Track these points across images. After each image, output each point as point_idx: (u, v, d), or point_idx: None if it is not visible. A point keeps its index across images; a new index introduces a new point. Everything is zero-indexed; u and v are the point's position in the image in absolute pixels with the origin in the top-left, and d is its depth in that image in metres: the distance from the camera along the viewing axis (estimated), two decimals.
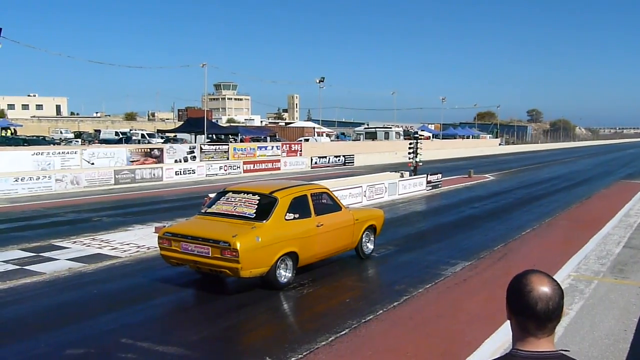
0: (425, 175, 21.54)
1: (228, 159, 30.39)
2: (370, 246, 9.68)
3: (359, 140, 53.82)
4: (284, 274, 7.52)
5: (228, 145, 31.95)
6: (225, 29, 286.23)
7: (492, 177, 28.48)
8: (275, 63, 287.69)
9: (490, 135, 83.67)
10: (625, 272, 9.12)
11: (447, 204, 18.46)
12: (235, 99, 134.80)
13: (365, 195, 17.51)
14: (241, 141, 40.21)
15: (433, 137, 68.94)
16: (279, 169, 32.29)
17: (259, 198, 7.62)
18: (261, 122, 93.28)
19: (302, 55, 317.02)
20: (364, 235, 9.45)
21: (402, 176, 21.98)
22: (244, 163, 30.29)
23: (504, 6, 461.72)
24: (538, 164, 41.16)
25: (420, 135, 25.58)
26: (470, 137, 78.06)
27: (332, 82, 78.19)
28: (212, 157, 29.48)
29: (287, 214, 7.59)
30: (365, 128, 59.30)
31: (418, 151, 22.81)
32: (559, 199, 19.66)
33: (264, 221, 7.27)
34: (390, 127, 56.37)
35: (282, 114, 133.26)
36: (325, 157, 36.71)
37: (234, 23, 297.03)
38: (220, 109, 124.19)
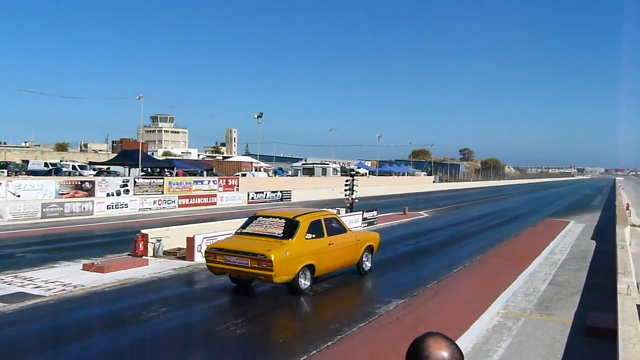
0: (362, 212, 21.78)
1: (163, 193, 29.76)
2: (368, 264, 11.51)
3: (297, 175, 53.98)
4: (304, 282, 9.42)
5: (163, 179, 31.32)
6: (163, 60, 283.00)
7: (426, 214, 29.14)
8: (214, 96, 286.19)
9: (425, 173, 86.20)
10: (551, 309, 9.47)
11: (383, 241, 18.54)
12: (172, 132, 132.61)
13: None
14: (177, 175, 39.46)
15: (369, 174, 70.26)
16: (215, 204, 31.80)
17: (284, 221, 9.69)
18: (198, 155, 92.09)
19: (241, 89, 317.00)
20: (363, 255, 11.42)
21: (338, 212, 22.15)
22: (179, 197, 29.67)
23: (440, 47, 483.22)
24: (470, 202, 42.53)
25: (357, 172, 25.98)
26: (406, 174, 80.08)
27: (271, 117, 79.92)
28: (146, 191, 28.77)
29: (307, 234, 9.55)
30: (303, 164, 59.72)
31: (354, 188, 23.10)
32: (489, 236, 20.32)
33: (290, 239, 9.23)
34: (328, 164, 57.04)
35: (220, 147, 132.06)
36: (263, 192, 36.52)
37: (172, 55, 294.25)
38: (157, 142, 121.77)
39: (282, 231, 9.65)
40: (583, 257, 15.37)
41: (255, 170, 55.81)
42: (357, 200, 23.34)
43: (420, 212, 30.03)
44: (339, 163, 68.83)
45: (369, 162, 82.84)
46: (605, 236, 19.77)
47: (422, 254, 15.69)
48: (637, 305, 7.57)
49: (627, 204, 34.39)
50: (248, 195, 34.97)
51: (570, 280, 12.05)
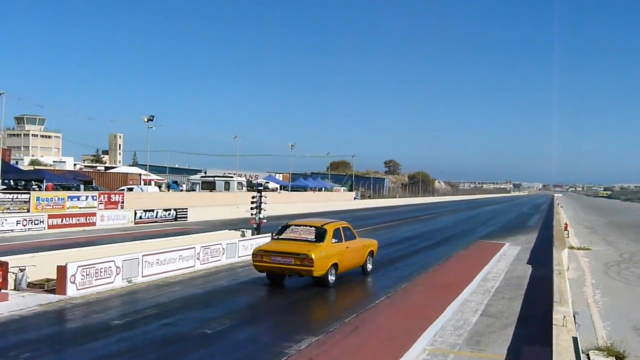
0: (271, 234, 21.69)
1: (29, 211, 28.53)
2: (370, 266, 16.37)
3: (195, 190, 53.20)
4: (331, 277, 13.81)
5: (30, 193, 30.03)
6: (32, 52, 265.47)
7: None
8: (94, 95, 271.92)
9: (345, 188, 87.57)
10: (482, 344, 9.84)
11: None
12: (42, 136, 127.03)
13: (198, 259, 17.15)
14: (46, 189, 37.81)
15: (281, 189, 70.46)
16: (94, 224, 30.69)
17: (315, 229, 14.11)
18: (74, 165, 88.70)
19: (128, 88, 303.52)
20: (367, 257, 16.18)
21: (243, 235, 22.00)
22: (50, 217, 28.38)
23: (360, 49, 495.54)
24: (396, 221, 43.61)
25: (266, 187, 26.01)
26: (323, 189, 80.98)
27: (164, 120, 77.72)
28: (8, 209, 27.50)
29: (332, 239, 14.00)
30: (202, 177, 58.85)
31: (263, 205, 23.05)
32: (416, 261, 20.89)
33: (321, 243, 13.56)
34: (232, 177, 56.49)
35: (102, 156, 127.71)
36: (153, 210, 35.68)
37: (43, 45, 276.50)
38: (22, 148, 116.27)
39: (314, 237, 14.17)
40: (518, 284, 16.13)
41: (145, 183, 54.42)
42: (265, 220, 23.31)
43: None
44: (245, 176, 68.51)
45: (281, 175, 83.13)
46: (542, 260, 20.86)
47: (340, 282, 15.85)
48: (573, 337, 8.01)
49: (566, 223, 36.59)
50: (135, 214, 34.02)
51: (504, 311, 12.60)
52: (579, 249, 27.34)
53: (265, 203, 23.42)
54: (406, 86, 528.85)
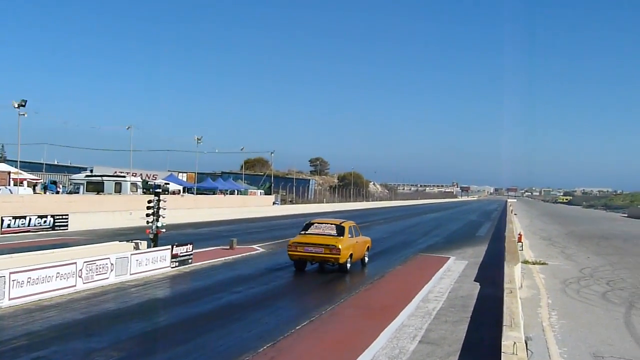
0: (170, 247, 21.53)
1: None
2: (366, 258, 23.92)
3: (78, 192, 51.95)
4: (349, 264, 21.01)
5: None
6: None
7: (262, 249, 29.62)
8: None
9: (262, 191, 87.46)
10: None
11: (199, 287, 18.64)
12: None
13: (80, 277, 16.78)
14: None
15: (185, 191, 69.72)
16: None
17: (335, 226, 21.56)
18: None
19: None
20: (366, 250, 23.83)
21: (137, 248, 21.68)
22: None
23: (279, 22, 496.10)
24: None
25: (166, 189, 25.73)
26: (236, 192, 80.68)
27: (40, 107, 74.70)
28: None
29: (348, 234, 21.18)
30: (88, 176, 57.38)
31: (161, 212, 22.78)
32: (345, 278, 21.13)
33: (342, 237, 20.85)
34: (124, 176, 55.46)
35: None
36: (25, 217, 34.70)
37: None
38: None
39: (335, 232, 21.50)
40: (464, 305, 16.58)
41: (15, 184, 52.72)
42: (164, 230, 23.03)
43: (254, 246, 30.51)
44: (141, 176, 67.33)
45: (185, 174, 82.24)
46: (491, 277, 21.49)
47: (255, 304, 15.88)
48: None
49: (520, 234, 37.72)
50: (2, 221, 32.99)
51: (447, 337, 12.93)
52: (534, 263, 28.23)
53: (165, 209, 23.13)
54: (335, 72, 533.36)
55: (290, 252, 21.88)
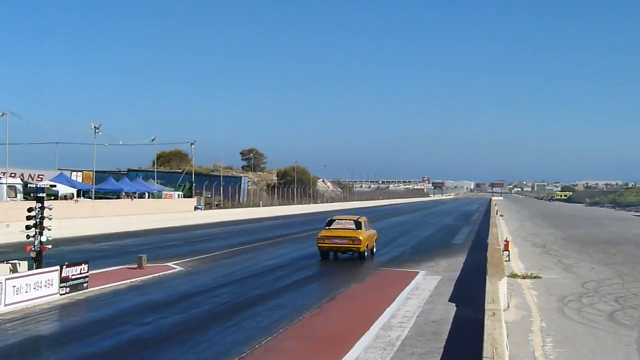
0: (59, 268, 21.12)
1: None
2: (374, 249, 36.58)
3: None
4: (367, 253, 34.17)
5: None
6: None
7: (179, 267, 29.49)
8: None
9: (181, 192, 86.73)
10: None
11: (97, 318, 18.33)
12: None
13: None
14: None
15: (80, 195, 68.65)
16: None
17: (353, 221, 34.66)
18: None
19: None
20: (374, 242, 37.16)
21: (14, 270, 21.20)
22: None
23: None
24: (258, 242, 43.75)
25: (54, 193, 25.30)
26: (147, 195, 79.90)
27: None
28: None
29: (364, 227, 34.52)
30: None
31: (46, 222, 22.35)
32: (285, 302, 21.00)
33: (360, 230, 33.79)
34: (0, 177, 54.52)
35: None
36: None
37: None
38: None
39: (354, 226, 33.55)
40: (435, 333, 16.62)
41: None
42: (49, 246, 22.59)
43: (170, 264, 30.36)
44: (22, 176, 66.17)
45: (80, 173, 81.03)
46: (470, 295, 21.60)
47: (170, 339, 15.68)
48: None
49: (507, 240, 38.07)
50: None
51: None
52: (524, 277, 28.53)
53: (51, 219, 22.66)
54: (271, 45, 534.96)
55: (319, 244, 33.51)
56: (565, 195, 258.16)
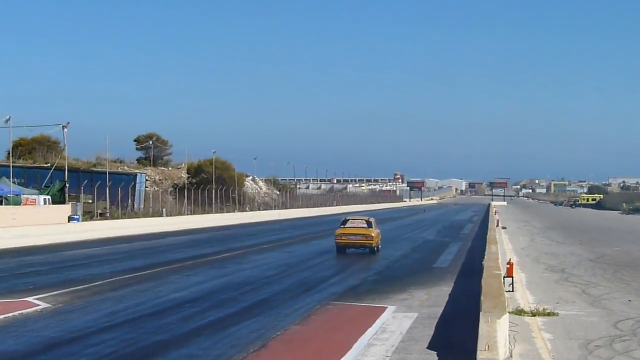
0: None
1: None
2: (380, 245, 61.17)
3: None
4: (377, 248, 59.73)
5: None
6: None
7: (42, 304, 29.33)
8: None
9: (49, 197, 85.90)
10: None
11: None
12: None
13: None
14: None
15: None
16: None
17: (365, 219, 60.53)
18: None
19: None
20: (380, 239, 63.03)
21: None
22: None
23: None
24: (159, 267, 43.62)
25: None
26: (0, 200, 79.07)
27: None
28: None
29: (375, 226, 60.39)
30: None
31: None
32: (196, 351, 20.92)
33: (372, 228, 58.87)
34: None
35: None
36: None
37: None
38: None
39: (366, 225, 57.92)
40: None
41: None
42: None
43: (29, 299, 30.26)
44: None
45: None
46: (458, 341, 21.65)
47: None
48: None
49: (511, 263, 38.08)
50: None
51: None
52: (534, 314, 28.46)
53: None
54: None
55: (337, 240, 54.19)
56: (593, 200, 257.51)
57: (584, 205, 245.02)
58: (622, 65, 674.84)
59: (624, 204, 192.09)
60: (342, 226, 57.47)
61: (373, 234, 56.21)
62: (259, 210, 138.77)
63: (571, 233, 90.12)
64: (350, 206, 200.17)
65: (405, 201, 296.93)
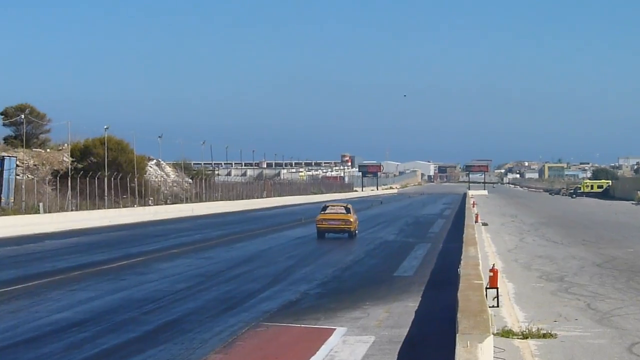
0: None
1: None
2: (357, 231, 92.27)
3: None
4: (356, 232, 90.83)
5: None
6: None
7: None
8: None
9: None
10: None
11: None
12: None
13: None
14: None
15: None
16: None
17: (344, 205, 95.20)
18: None
19: None
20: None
21: None
22: None
23: None
24: (34, 281, 43.50)
25: None
26: None
27: None
28: None
29: (353, 212, 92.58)
30: None
31: None
32: None
33: (350, 214, 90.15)
34: None
35: None
36: None
37: None
38: None
39: (345, 211, 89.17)
40: None
41: None
42: None
43: None
44: None
45: None
46: None
47: None
48: None
49: (494, 269, 38.26)
50: None
51: None
52: (526, 336, 28.70)
53: None
54: None
55: (318, 225, 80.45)
56: (599, 187, 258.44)
57: (588, 194, 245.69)
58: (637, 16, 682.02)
59: (638, 192, 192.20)
60: (322, 212, 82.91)
61: (352, 219, 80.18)
62: (166, 204, 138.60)
63: (572, 230, 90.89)
64: (285, 197, 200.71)
65: (356, 190, 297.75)
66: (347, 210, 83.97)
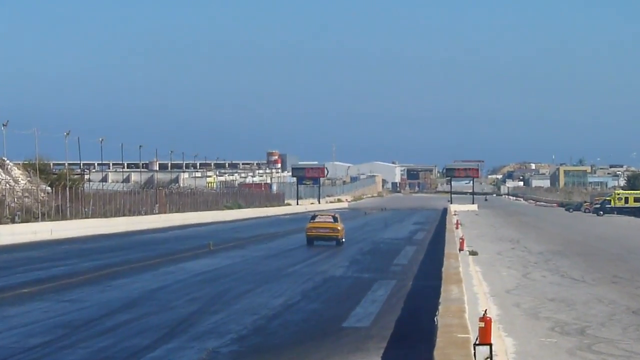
0: None
1: None
2: (344, 239, 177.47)
3: None
4: (343, 240, 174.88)
5: None
6: None
7: None
8: None
9: None
10: None
11: None
12: None
13: None
14: None
15: None
16: None
17: (332, 215, 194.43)
18: None
19: None
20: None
21: None
22: None
23: None
24: None
25: None
26: None
27: None
28: None
29: (340, 221, 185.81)
30: None
31: None
32: None
33: (337, 223, 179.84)
34: None
35: None
36: None
37: None
38: None
39: (332, 220, 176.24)
40: None
41: None
42: None
43: None
44: None
45: None
46: None
47: None
48: None
49: (487, 317, 38.58)
50: None
51: None
52: None
53: None
54: None
55: (308, 233, 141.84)
56: (637, 200, 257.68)
57: (621, 211, 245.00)
58: None
59: None
60: (311, 221, 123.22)
61: (339, 227, 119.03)
62: (13, 222, 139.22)
63: (597, 262, 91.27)
64: (186, 214, 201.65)
65: (288, 204, 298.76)
66: (335, 219, 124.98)
